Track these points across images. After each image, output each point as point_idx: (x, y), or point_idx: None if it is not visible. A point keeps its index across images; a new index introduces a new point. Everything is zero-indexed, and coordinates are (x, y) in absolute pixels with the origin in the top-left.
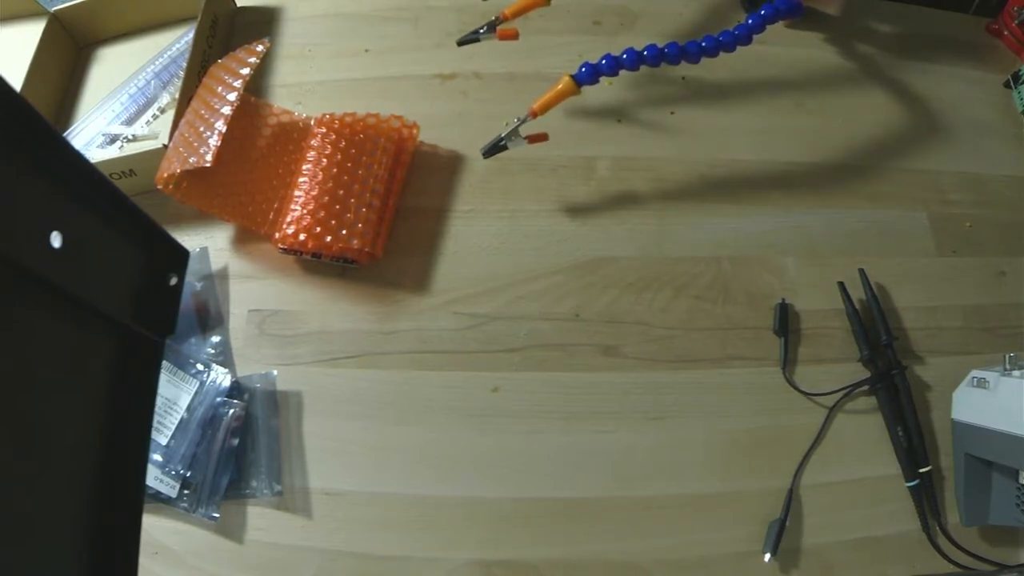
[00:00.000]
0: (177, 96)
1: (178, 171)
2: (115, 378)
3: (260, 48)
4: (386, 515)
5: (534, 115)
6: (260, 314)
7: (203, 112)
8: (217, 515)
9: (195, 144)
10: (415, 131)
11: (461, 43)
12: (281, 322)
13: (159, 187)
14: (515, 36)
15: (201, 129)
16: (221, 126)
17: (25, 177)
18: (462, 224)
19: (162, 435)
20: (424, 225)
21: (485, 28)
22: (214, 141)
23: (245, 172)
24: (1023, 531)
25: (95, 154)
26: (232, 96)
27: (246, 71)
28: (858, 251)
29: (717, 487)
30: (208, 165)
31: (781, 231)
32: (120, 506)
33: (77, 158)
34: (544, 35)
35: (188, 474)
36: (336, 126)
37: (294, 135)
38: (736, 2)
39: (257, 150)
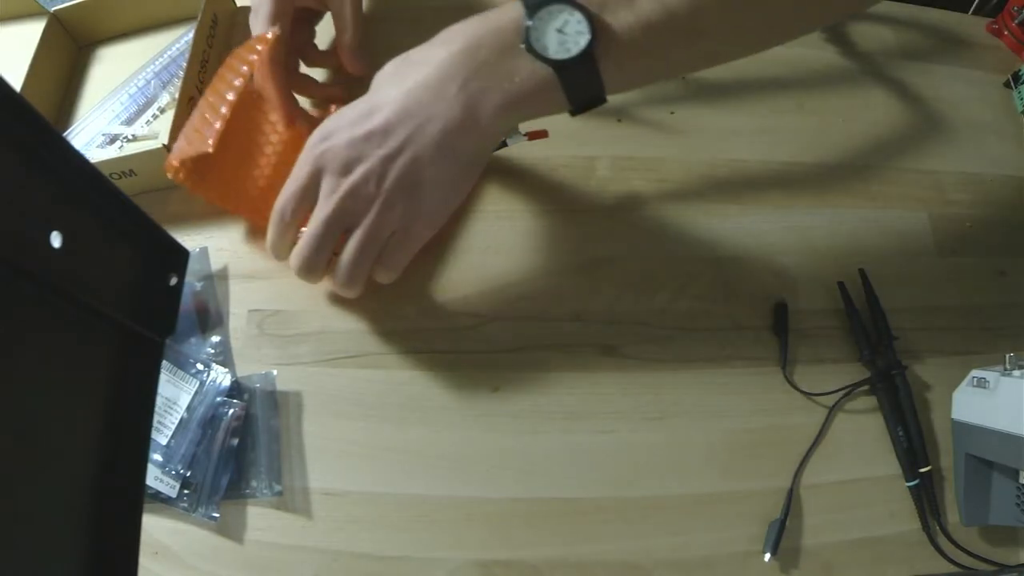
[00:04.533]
0: (177, 96)
1: (184, 158)
2: (115, 378)
3: (270, 35)
4: (386, 515)
5: None
6: (260, 314)
7: (211, 99)
8: (217, 515)
9: (202, 131)
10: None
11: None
12: (281, 322)
13: (169, 175)
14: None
15: (208, 116)
16: (225, 111)
17: (25, 177)
18: (463, 224)
19: (162, 435)
20: None
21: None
22: (218, 126)
23: (258, 167)
24: (1023, 531)
25: (95, 154)
26: (238, 82)
27: (253, 57)
28: (858, 251)
29: (717, 487)
30: (209, 150)
31: (781, 231)
32: (120, 506)
33: (77, 158)
34: None
35: (188, 474)
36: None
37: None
38: None
39: (271, 144)
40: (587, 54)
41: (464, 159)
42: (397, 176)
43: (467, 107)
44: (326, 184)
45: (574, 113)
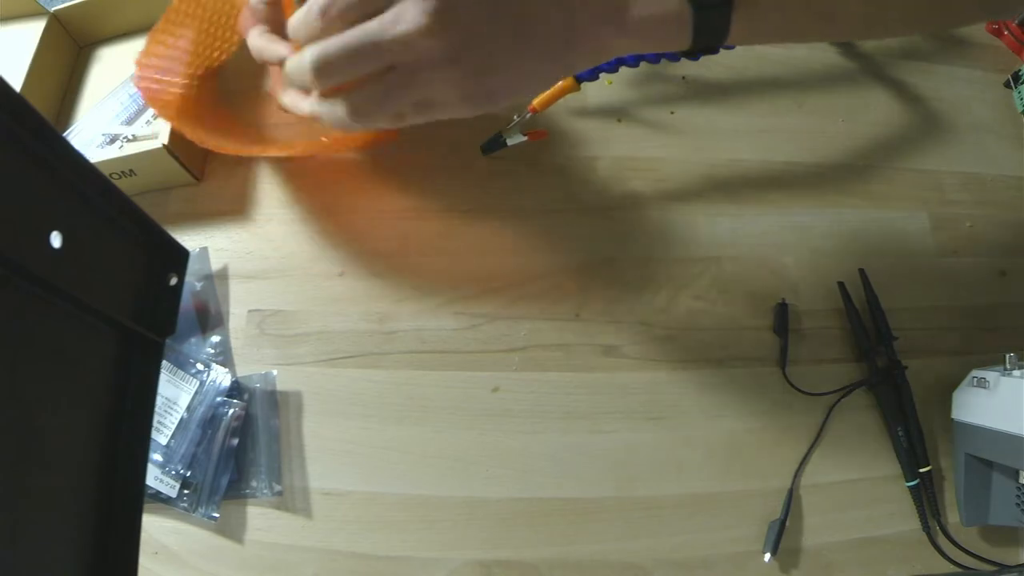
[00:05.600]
0: None
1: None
2: (115, 378)
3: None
4: (386, 515)
5: (534, 111)
6: (260, 314)
7: None
8: (217, 515)
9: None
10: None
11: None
12: (281, 322)
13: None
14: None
15: None
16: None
17: (25, 177)
18: (462, 224)
19: (162, 435)
20: (424, 225)
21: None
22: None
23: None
24: (1023, 531)
25: (95, 154)
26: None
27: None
28: (858, 251)
29: (717, 487)
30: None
31: (781, 231)
32: (120, 506)
33: (77, 158)
34: None
35: (188, 474)
36: None
37: None
38: None
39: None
40: (729, 1)
41: (555, 68)
42: (495, 47)
43: (598, 15)
44: (419, 4)
45: (686, 55)
